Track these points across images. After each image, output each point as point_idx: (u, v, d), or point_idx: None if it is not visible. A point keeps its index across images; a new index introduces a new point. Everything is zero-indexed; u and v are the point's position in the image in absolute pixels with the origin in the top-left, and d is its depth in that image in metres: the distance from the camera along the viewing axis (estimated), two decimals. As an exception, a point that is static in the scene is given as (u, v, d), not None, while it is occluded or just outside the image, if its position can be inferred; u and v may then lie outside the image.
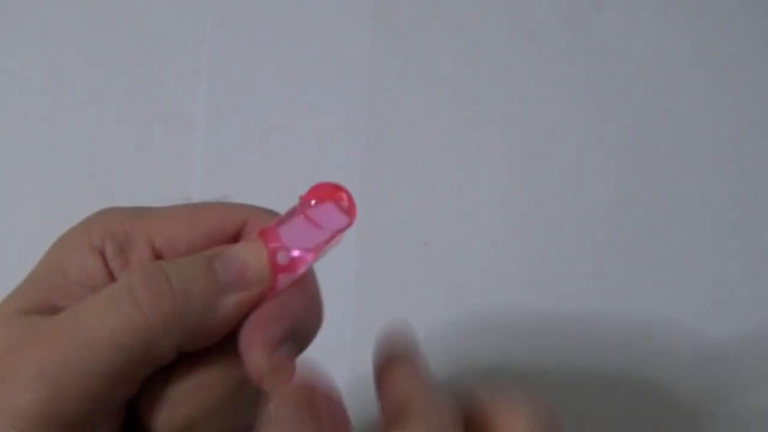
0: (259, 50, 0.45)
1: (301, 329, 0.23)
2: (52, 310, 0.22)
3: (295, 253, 0.23)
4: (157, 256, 0.24)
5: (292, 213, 0.24)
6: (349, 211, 0.24)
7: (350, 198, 0.24)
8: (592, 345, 0.40)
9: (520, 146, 0.43)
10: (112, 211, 0.24)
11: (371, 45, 0.44)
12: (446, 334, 0.40)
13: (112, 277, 0.23)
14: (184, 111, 0.43)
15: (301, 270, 0.23)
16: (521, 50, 0.44)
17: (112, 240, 0.23)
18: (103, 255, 0.23)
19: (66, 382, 0.20)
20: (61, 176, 0.43)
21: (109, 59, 0.45)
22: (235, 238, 0.24)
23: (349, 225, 0.24)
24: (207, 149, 0.43)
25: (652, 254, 0.41)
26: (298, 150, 0.43)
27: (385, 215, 0.42)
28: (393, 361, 0.24)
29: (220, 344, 0.23)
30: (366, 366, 0.40)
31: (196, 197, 0.42)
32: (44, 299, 0.23)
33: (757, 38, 0.44)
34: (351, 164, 0.43)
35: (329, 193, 0.24)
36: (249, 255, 0.23)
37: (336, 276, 0.39)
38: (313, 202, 0.24)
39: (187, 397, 0.22)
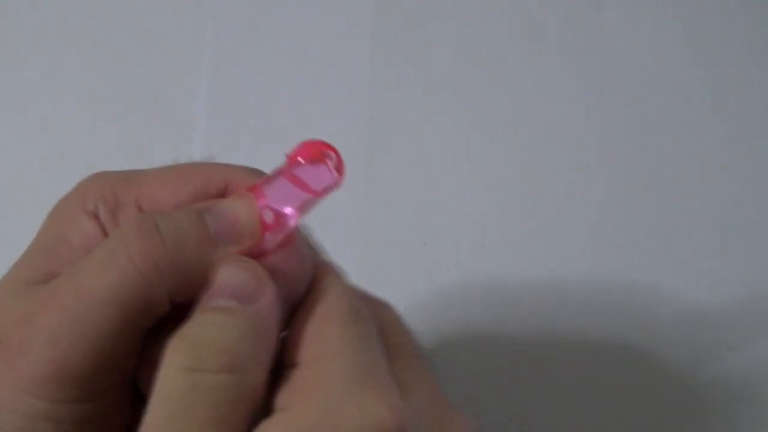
0: (259, 50, 0.45)
1: (291, 290, 0.23)
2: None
3: (283, 210, 0.23)
4: None
5: (278, 172, 0.23)
6: (338, 170, 0.24)
7: (339, 156, 0.24)
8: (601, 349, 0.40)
9: (520, 146, 0.43)
10: (102, 176, 0.25)
11: (371, 45, 0.44)
12: (446, 333, 0.40)
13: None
14: (184, 111, 0.43)
15: (288, 228, 0.23)
16: (521, 50, 0.44)
17: (104, 204, 0.24)
18: (98, 218, 0.24)
19: (74, 344, 0.21)
20: (61, 176, 0.43)
21: (108, 59, 0.45)
22: (220, 197, 0.24)
23: (337, 184, 0.23)
24: (207, 149, 0.43)
25: (652, 252, 0.41)
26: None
27: (385, 215, 0.42)
28: None
29: None
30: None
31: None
32: (51, 268, 0.23)
33: (758, 38, 0.44)
34: (351, 164, 0.42)
35: (317, 151, 0.24)
36: (239, 208, 0.23)
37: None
38: (300, 160, 0.23)
39: None
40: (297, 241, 0.24)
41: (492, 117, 0.43)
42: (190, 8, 0.45)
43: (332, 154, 0.24)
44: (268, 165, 0.41)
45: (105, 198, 0.24)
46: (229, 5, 0.45)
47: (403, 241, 0.41)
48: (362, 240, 0.41)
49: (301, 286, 0.23)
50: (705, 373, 0.39)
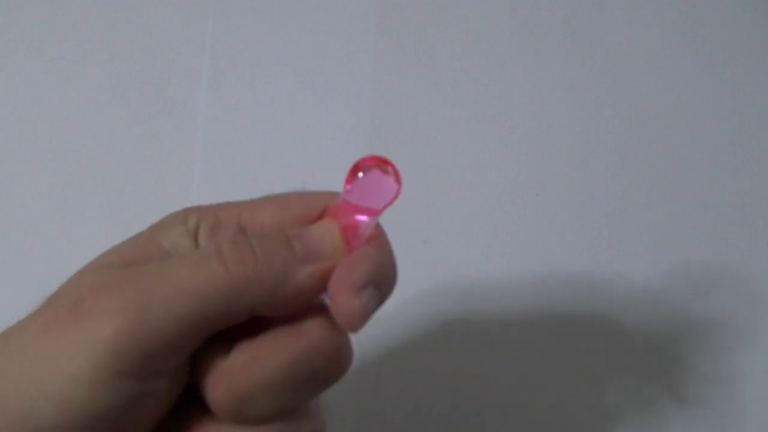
0: (261, 48, 0.45)
1: (382, 278, 0.25)
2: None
3: (354, 228, 0.25)
4: None
5: (344, 194, 0.26)
6: (397, 181, 0.26)
7: (395, 168, 0.26)
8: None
9: (521, 145, 0.43)
10: (204, 206, 0.27)
11: (373, 44, 0.44)
12: (446, 332, 0.40)
13: None
14: (186, 109, 0.44)
15: (360, 240, 0.25)
16: (523, 48, 0.44)
17: (206, 223, 0.26)
18: (196, 235, 0.26)
19: (145, 322, 0.22)
20: (62, 175, 0.43)
21: (109, 58, 0.45)
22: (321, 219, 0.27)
23: (397, 195, 0.26)
24: (208, 148, 0.43)
25: (654, 256, 0.41)
26: (299, 149, 0.43)
27: (386, 213, 0.42)
28: None
29: (281, 319, 0.25)
30: (368, 360, 0.40)
31: (197, 197, 0.42)
32: (135, 259, 0.25)
33: (760, 38, 0.44)
34: (352, 162, 0.43)
35: (373, 166, 0.26)
36: (323, 232, 0.25)
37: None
38: (360, 174, 0.26)
39: (246, 368, 0.24)
40: (381, 238, 0.26)
41: (492, 116, 0.44)
42: (191, 5, 0.45)
43: (389, 168, 0.26)
44: (268, 164, 0.41)
45: (207, 218, 0.26)
46: (231, 1, 0.45)
47: (403, 239, 0.42)
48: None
49: (388, 276, 0.26)
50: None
